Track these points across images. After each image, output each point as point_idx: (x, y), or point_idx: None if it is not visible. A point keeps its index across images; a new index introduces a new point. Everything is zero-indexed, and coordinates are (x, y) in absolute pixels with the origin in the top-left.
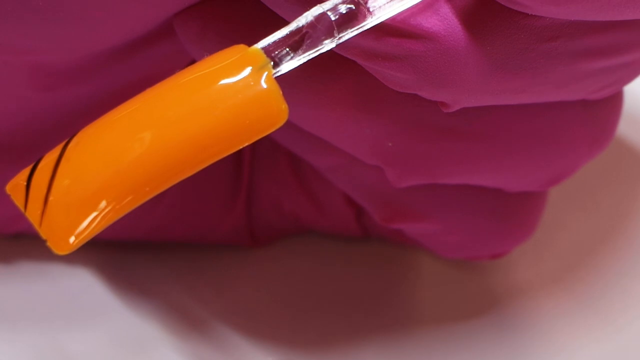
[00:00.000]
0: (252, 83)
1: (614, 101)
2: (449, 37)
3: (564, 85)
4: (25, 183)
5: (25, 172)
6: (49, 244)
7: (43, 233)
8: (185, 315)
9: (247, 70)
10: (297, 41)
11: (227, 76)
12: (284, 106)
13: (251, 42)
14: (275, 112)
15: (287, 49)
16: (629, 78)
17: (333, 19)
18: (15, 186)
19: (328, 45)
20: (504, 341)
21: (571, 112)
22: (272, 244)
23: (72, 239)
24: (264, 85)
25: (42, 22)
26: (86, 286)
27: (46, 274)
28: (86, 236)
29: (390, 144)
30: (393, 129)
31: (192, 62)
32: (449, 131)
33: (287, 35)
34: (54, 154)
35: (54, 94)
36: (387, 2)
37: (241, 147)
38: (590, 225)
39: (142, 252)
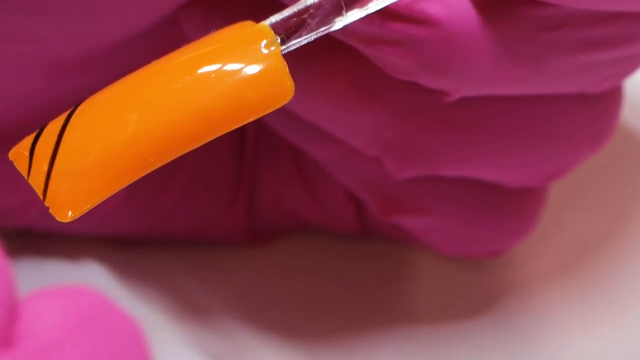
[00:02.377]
0: (259, 59)
1: (615, 96)
2: (451, 24)
3: (565, 76)
4: (28, 150)
5: (29, 139)
6: (52, 211)
7: (47, 200)
8: (189, 310)
9: (255, 46)
10: (305, 19)
11: (235, 51)
12: (290, 83)
13: None
14: (282, 89)
15: (295, 27)
16: (629, 71)
17: None
18: (18, 153)
19: (336, 24)
20: (504, 339)
21: (572, 105)
22: (272, 242)
23: (75, 207)
24: (272, 61)
25: (52, 13)
26: (90, 280)
27: (49, 269)
28: (90, 204)
29: (389, 134)
30: (392, 119)
31: None
32: (448, 121)
33: (295, 12)
34: (58, 122)
35: (63, 83)
36: None
37: (246, 122)
38: (591, 223)
39: (145, 248)
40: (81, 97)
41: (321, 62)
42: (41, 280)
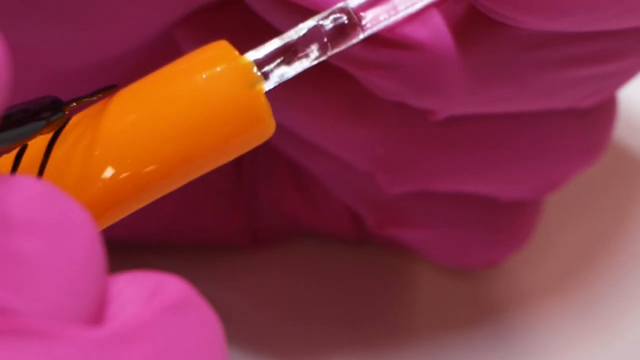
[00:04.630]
0: (241, 97)
1: (608, 109)
2: (435, 47)
3: (551, 93)
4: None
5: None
6: None
7: None
8: None
9: (238, 85)
10: (289, 55)
11: (217, 89)
12: (271, 122)
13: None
14: (264, 128)
15: (278, 62)
16: (617, 85)
17: (326, 30)
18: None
19: (320, 58)
20: (499, 348)
21: (562, 120)
22: (270, 248)
23: None
24: (253, 101)
25: (51, 25)
26: None
27: None
28: None
29: (381, 150)
30: (384, 136)
31: None
32: (439, 138)
33: (279, 48)
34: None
35: (62, 94)
36: (379, 15)
37: (228, 160)
38: (588, 230)
39: (144, 253)
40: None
41: (313, 81)
42: None
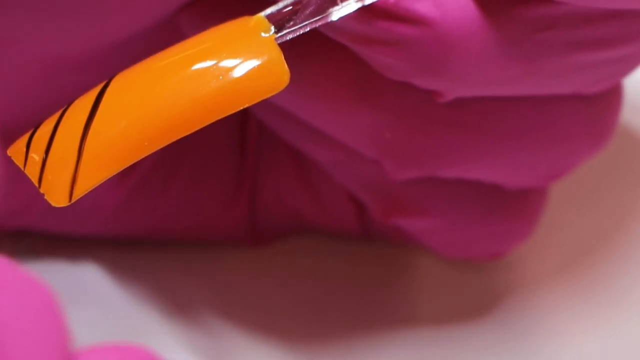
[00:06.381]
0: (256, 46)
1: (614, 96)
2: (444, 24)
3: (558, 76)
4: (25, 145)
5: (26, 136)
6: (47, 197)
7: (42, 187)
8: (188, 311)
9: (251, 35)
10: (300, 9)
11: (232, 39)
12: (285, 69)
13: None
14: (278, 75)
15: (290, 17)
16: (626, 71)
17: None
18: (16, 149)
19: (331, 14)
20: (504, 340)
21: (570, 106)
22: (272, 243)
23: (70, 192)
24: (267, 48)
25: (53, 13)
26: (89, 281)
27: (49, 270)
28: (84, 189)
29: (387, 135)
30: (390, 120)
31: None
32: (446, 122)
33: (289, 2)
34: (54, 117)
35: (62, 83)
36: None
37: (242, 107)
38: (591, 223)
39: (144, 249)
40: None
41: (319, 65)
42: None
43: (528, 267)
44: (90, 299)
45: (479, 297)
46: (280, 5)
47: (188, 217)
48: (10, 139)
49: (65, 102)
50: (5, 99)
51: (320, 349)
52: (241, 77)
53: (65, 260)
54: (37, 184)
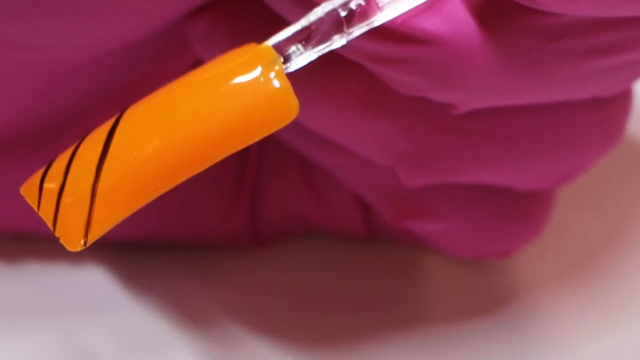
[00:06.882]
0: (262, 80)
1: (624, 99)
2: (454, 39)
3: (572, 83)
4: (38, 184)
5: (38, 174)
6: (62, 241)
7: (57, 231)
8: (191, 313)
9: (259, 68)
10: (307, 37)
11: (239, 74)
12: (294, 102)
13: (259, 40)
14: (287, 108)
15: (297, 45)
16: (638, 75)
17: (343, 14)
18: (29, 188)
19: (338, 41)
20: (510, 340)
21: (582, 109)
22: (276, 245)
23: (85, 235)
24: (275, 82)
25: (55, 19)
26: (92, 284)
27: (52, 273)
28: (99, 232)
29: (401, 144)
30: (404, 129)
31: (197, 60)
32: (459, 130)
33: (297, 31)
34: (67, 154)
35: (65, 89)
36: None
37: (252, 142)
38: (595, 225)
39: (147, 252)
40: (83, 102)
41: (330, 76)
42: (43, 284)
43: (534, 267)
44: (92, 301)
45: (485, 297)
46: (286, 33)
47: (189, 221)
48: (11, 147)
49: (65, 108)
50: (5, 106)
51: (325, 349)
52: (251, 112)
53: (67, 263)
54: (51, 227)
